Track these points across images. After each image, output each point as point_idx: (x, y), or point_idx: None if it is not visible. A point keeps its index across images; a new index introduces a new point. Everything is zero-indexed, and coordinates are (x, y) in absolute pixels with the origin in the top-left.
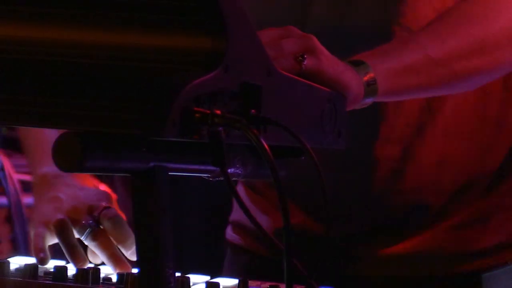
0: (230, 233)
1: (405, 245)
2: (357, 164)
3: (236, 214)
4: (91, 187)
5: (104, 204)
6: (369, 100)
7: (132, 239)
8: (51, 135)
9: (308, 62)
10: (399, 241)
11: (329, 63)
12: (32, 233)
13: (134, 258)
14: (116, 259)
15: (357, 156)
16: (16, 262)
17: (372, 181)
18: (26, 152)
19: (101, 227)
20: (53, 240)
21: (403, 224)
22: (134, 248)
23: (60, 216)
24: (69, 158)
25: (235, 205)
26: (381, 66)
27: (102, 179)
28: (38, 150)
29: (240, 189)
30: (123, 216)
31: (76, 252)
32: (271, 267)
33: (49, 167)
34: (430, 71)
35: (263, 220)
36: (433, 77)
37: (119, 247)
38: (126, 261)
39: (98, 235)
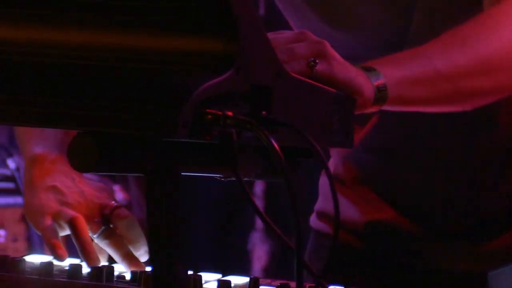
0: (315, 221)
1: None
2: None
3: (321, 203)
4: (85, 179)
5: (114, 203)
6: (377, 106)
7: (143, 240)
8: None
9: (319, 66)
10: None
11: (341, 68)
12: (37, 225)
13: (143, 259)
14: (130, 258)
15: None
16: (32, 260)
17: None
18: (17, 137)
19: (111, 226)
20: (62, 234)
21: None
22: (144, 249)
23: (69, 211)
24: (84, 159)
25: (321, 195)
26: (392, 75)
27: (116, 180)
28: (27, 132)
29: (326, 182)
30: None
31: (91, 250)
32: (351, 255)
33: (41, 148)
34: (436, 85)
35: (353, 213)
36: (439, 91)
37: (129, 247)
38: (138, 259)
39: (110, 235)
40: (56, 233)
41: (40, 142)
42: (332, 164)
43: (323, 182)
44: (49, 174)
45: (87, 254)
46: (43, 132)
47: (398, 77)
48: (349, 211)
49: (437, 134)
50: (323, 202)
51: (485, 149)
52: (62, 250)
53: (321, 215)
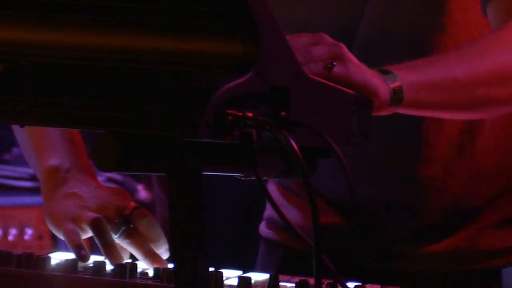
0: (264, 229)
1: (442, 244)
2: (399, 183)
3: (270, 210)
4: (103, 184)
5: (133, 204)
6: (393, 108)
7: (163, 238)
8: (49, 128)
9: (337, 69)
10: (438, 242)
11: (357, 70)
12: (59, 229)
13: (164, 256)
14: (152, 255)
15: (399, 176)
16: (57, 257)
17: (414, 197)
18: (27, 145)
19: (131, 226)
20: (84, 236)
21: (441, 227)
22: (164, 247)
23: (90, 213)
24: (108, 159)
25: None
26: (408, 78)
27: (140, 179)
28: (41, 142)
29: (272, 187)
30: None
31: (114, 249)
32: (305, 261)
33: (55, 160)
34: (453, 91)
35: (296, 216)
36: (455, 98)
37: (151, 245)
38: (160, 257)
39: (131, 234)
40: (78, 235)
41: (53, 154)
42: None
43: (271, 188)
44: (66, 183)
45: (110, 253)
46: (52, 145)
47: (414, 81)
48: (293, 215)
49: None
50: (271, 209)
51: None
52: (85, 251)
53: (270, 222)
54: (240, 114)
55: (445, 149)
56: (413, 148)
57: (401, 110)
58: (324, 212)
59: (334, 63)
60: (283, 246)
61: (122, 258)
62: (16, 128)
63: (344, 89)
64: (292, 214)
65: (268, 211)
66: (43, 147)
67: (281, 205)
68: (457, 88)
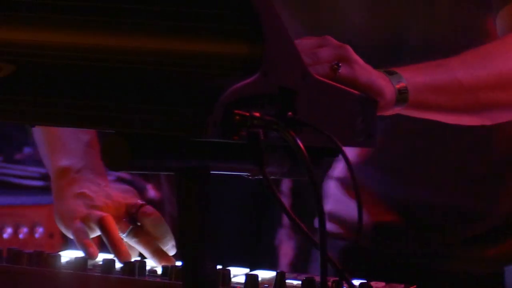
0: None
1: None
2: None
3: (329, 205)
4: (111, 184)
5: (140, 201)
6: (398, 108)
7: (169, 235)
8: (65, 130)
9: (342, 70)
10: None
11: (363, 71)
12: (68, 228)
13: (171, 253)
14: (160, 253)
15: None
16: (67, 255)
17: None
18: (43, 146)
19: (138, 224)
20: (92, 235)
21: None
22: (171, 243)
23: (98, 212)
24: (117, 158)
25: (326, 197)
26: (413, 79)
27: (149, 178)
28: (56, 144)
29: (333, 184)
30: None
31: (122, 248)
32: (363, 254)
33: (67, 161)
34: (457, 93)
35: (356, 212)
36: (459, 100)
37: (157, 243)
38: (168, 254)
39: (138, 233)
40: (86, 234)
41: (65, 155)
42: (342, 168)
43: (331, 184)
44: (76, 183)
45: (118, 251)
46: (66, 146)
47: (419, 82)
48: (354, 211)
49: (443, 146)
50: (331, 204)
51: (485, 160)
52: (93, 248)
53: (330, 217)
54: (247, 114)
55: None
56: (477, 151)
57: (406, 111)
58: (384, 211)
59: (340, 64)
60: (343, 239)
61: (130, 256)
62: (34, 130)
63: (350, 89)
64: (353, 210)
65: (328, 205)
66: (57, 148)
67: (342, 201)
68: (461, 91)
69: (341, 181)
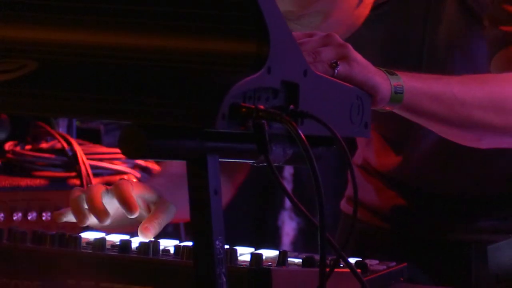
0: (345, 205)
1: None
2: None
3: (350, 189)
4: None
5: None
6: (393, 106)
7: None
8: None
9: (340, 68)
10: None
11: (360, 69)
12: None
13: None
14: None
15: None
16: (87, 236)
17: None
18: None
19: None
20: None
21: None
22: (156, 222)
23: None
24: (134, 147)
25: (349, 182)
26: (410, 83)
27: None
28: None
29: (356, 171)
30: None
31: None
32: (381, 236)
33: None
34: (451, 105)
35: (374, 196)
36: (453, 112)
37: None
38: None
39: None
40: (81, 201)
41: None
42: (360, 156)
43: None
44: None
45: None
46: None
47: (416, 87)
48: (372, 196)
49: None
50: (351, 188)
51: None
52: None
53: (351, 200)
54: (253, 106)
55: None
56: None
57: (400, 112)
58: (400, 195)
59: (338, 63)
60: (362, 222)
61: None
62: None
63: (347, 84)
64: (371, 195)
65: (349, 190)
66: None
67: (361, 186)
68: (455, 103)
69: (361, 168)
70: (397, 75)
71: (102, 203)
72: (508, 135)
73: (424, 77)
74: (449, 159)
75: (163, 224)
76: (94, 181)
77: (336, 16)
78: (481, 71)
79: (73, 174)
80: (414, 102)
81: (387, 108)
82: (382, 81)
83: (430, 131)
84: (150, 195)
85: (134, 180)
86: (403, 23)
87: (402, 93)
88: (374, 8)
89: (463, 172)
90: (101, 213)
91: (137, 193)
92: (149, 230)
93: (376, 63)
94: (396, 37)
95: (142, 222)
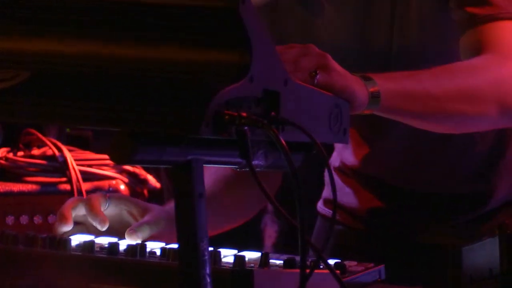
0: (321, 207)
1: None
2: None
3: (327, 191)
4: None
5: None
6: (371, 110)
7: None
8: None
9: (320, 77)
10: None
11: (339, 77)
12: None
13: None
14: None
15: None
16: (76, 239)
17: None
18: None
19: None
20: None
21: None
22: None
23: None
24: (122, 153)
25: (326, 184)
26: (385, 86)
27: (150, 171)
28: None
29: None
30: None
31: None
32: (358, 237)
33: None
34: (425, 102)
35: (352, 199)
36: (426, 108)
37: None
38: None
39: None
40: (68, 207)
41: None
42: (337, 158)
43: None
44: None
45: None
46: None
47: (391, 89)
48: (350, 198)
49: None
50: (328, 190)
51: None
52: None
53: (327, 202)
54: (236, 114)
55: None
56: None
57: (379, 113)
58: (377, 196)
59: (318, 72)
60: (340, 223)
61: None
62: None
63: (326, 92)
64: (348, 197)
65: (326, 192)
66: None
67: (339, 188)
68: (428, 99)
69: (339, 170)
70: (372, 79)
71: (102, 211)
72: (481, 122)
73: (398, 76)
74: (421, 154)
75: (149, 230)
76: (84, 186)
77: None
78: (454, 50)
79: (64, 179)
80: (390, 104)
81: (365, 112)
82: (359, 88)
83: (401, 126)
84: (136, 208)
85: (122, 185)
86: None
87: (378, 97)
88: None
89: (436, 168)
90: (101, 221)
91: (124, 207)
92: (135, 232)
93: (347, 42)
94: (366, 15)
95: (130, 227)
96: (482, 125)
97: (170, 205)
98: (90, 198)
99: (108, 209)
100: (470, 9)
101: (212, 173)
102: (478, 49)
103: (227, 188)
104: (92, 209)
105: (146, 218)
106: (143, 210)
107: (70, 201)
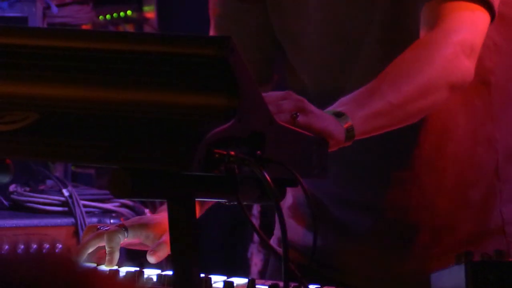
0: (275, 246)
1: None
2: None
3: (279, 230)
4: None
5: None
6: (349, 142)
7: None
8: None
9: (300, 118)
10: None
11: (316, 119)
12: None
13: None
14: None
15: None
16: None
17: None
18: None
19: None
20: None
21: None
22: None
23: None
24: (121, 188)
25: (277, 222)
26: (356, 115)
27: (146, 204)
28: None
29: (285, 213)
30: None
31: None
32: (312, 274)
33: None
34: (391, 114)
35: (302, 235)
36: (394, 119)
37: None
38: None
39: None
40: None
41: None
42: (289, 197)
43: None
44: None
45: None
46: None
47: (362, 116)
48: (300, 234)
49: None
50: (278, 229)
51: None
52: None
53: (280, 241)
54: (225, 152)
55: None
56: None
57: (356, 138)
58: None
59: (298, 114)
60: (291, 261)
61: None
62: None
63: (306, 133)
64: (298, 232)
65: (278, 231)
66: None
67: (291, 228)
68: (394, 110)
69: (289, 209)
70: (344, 114)
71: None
72: (435, 106)
73: (361, 97)
74: (369, 168)
75: (168, 247)
76: (87, 219)
77: None
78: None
79: (69, 212)
80: (363, 130)
81: (345, 145)
82: (335, 127)
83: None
84: (153, 232)
85: (122, 218)
86: None
87: (353, 130)
88: None
89: (390, 184)
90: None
91: (144, 233)
92: (155, 252)
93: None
94: None
95: (149, 248)
96: (437, 107)
97: None
98: (111, 237)
99: (129, 238)
100: None
101: None
102: (431, 24)
103: None
104: (111, 250)
105: (164, 238)
106: (160, 231)
107: (90, 237)
